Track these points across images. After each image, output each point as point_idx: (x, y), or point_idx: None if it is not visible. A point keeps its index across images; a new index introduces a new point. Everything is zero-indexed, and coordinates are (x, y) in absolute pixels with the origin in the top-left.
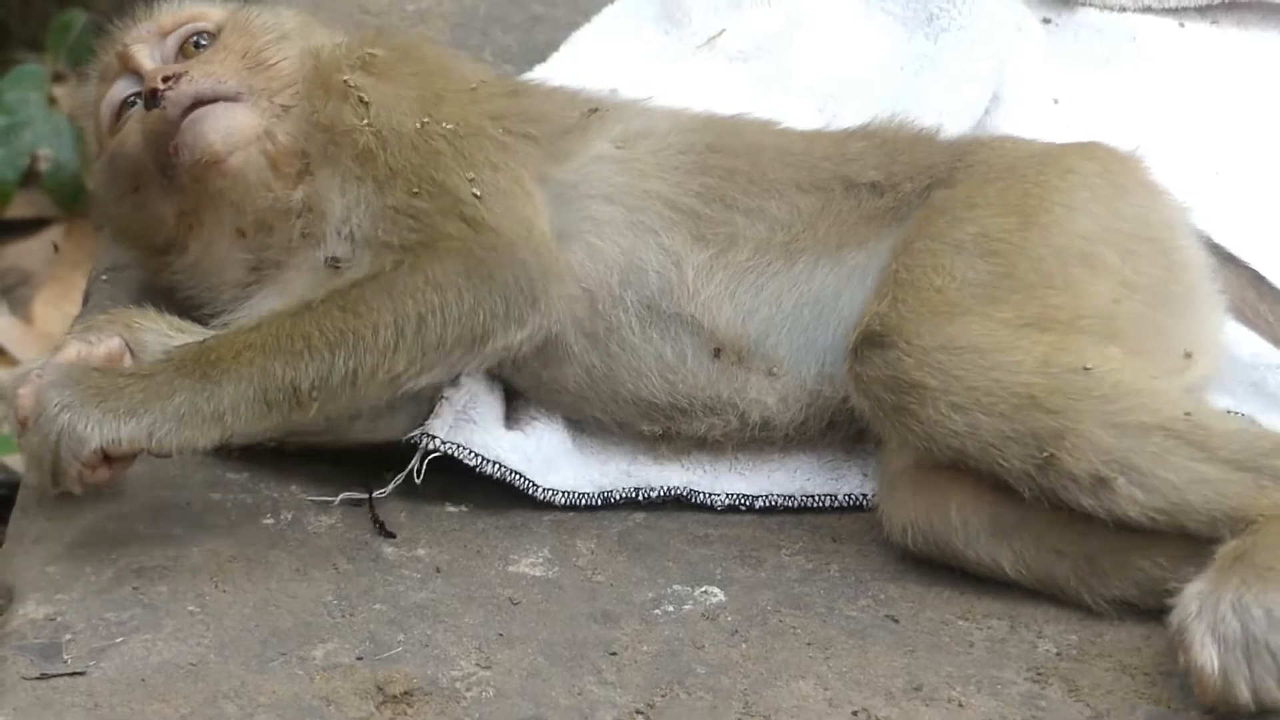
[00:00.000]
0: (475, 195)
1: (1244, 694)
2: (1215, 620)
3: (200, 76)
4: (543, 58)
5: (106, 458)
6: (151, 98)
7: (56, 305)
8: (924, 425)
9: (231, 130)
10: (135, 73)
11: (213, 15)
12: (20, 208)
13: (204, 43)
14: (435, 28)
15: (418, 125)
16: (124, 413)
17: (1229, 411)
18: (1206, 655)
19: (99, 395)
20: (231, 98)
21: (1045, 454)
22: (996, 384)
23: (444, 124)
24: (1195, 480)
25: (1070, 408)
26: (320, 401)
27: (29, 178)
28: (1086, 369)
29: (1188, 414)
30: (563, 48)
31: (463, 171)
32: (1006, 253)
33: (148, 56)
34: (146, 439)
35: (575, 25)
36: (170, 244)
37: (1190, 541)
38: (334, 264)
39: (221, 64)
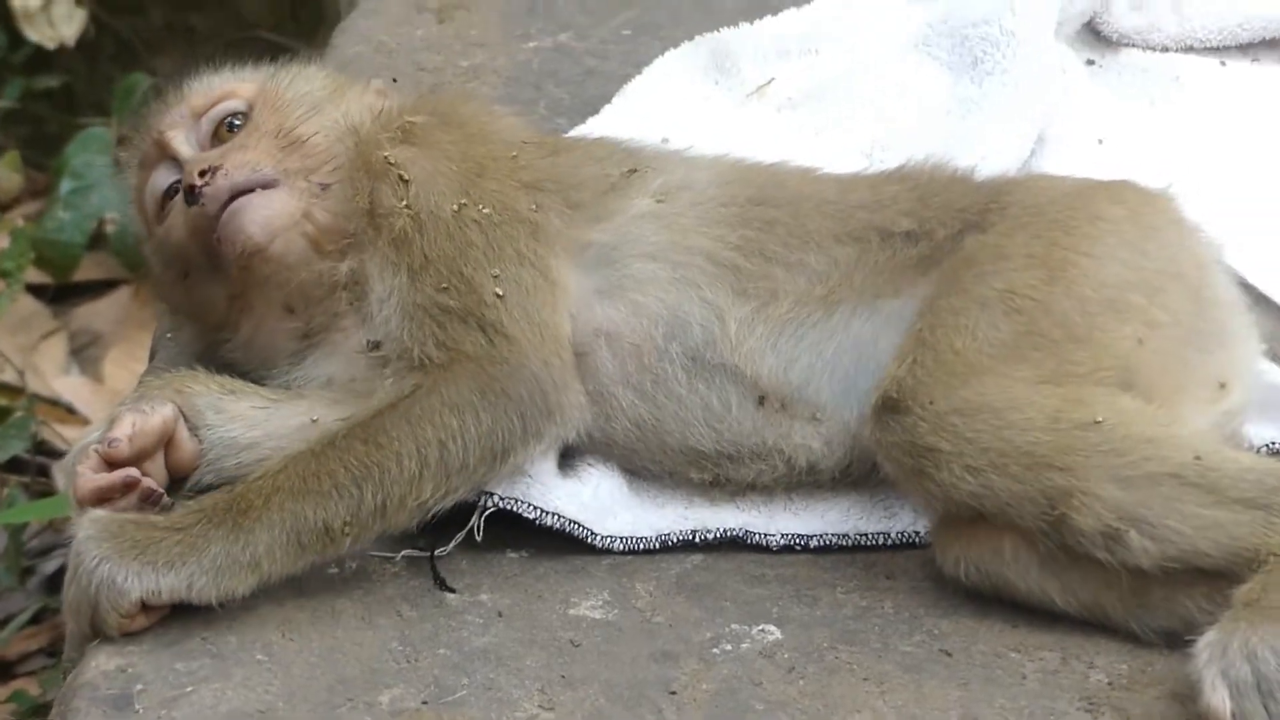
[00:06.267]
0: (498, 295)
1: None
2: (1225, 665)
3: (234, 168)
4: (595, 110)
5: (144, 607)
6: (190, 193)
7: (125, 365)
8: (941, 488)
9: (270, 219)
10: (173, 158)
11: (243, 91)
12: (89, 270)
13: (238, 123)
14: (489, 83)
15: (455, 208)
16: (162, 565)
17: (1271, 444)
18: (1219, 698)
19: (136, 548)
20: (268, 184)
21: (1057, 512)
22: (1008, 444)
23: (480, 207)
24: (1206, 526)
25: (1079, 465)
26: (352, 536)
27: (97, 240)
28: (1097, 422)
29: (1198, 458)
30: (615, 99)
31: (489, 267)
32: (1030, 310)
33: (184, 142)
34: (186, 590)
35: (627, 77)
36: (223, 323)
37: (1229, 580)
38: (374, 348)
39: (255, 148)
